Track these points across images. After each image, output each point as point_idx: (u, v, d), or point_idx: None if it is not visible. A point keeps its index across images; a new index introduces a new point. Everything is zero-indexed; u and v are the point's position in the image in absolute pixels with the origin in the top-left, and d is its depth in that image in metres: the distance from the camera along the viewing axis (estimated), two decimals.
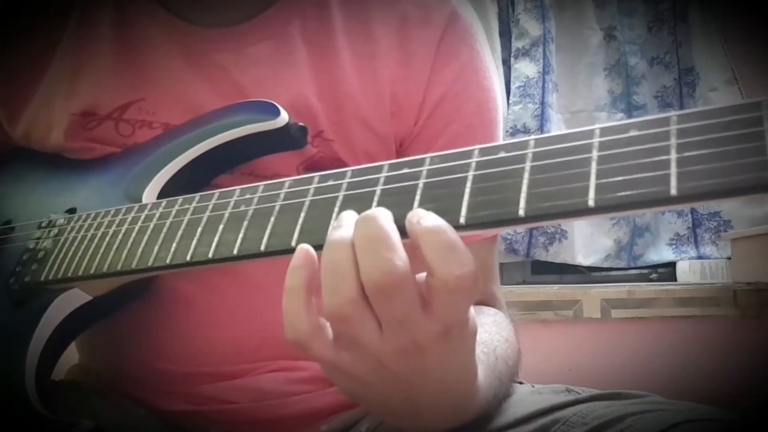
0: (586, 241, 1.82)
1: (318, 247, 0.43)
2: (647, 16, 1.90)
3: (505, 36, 1.87)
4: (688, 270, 1.81)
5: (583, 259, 1.81)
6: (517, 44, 1.84)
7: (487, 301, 0.73)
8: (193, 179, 0.57)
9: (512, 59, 1.84)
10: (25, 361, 0.59)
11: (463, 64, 0.71)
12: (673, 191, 0.34)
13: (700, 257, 1.83)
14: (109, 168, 0.70)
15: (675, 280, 1.82)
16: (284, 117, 0.63)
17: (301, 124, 0.64)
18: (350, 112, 0.69)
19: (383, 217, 0.41)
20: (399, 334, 0.42)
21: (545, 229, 1.80)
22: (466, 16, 0.73)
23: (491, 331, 0.64)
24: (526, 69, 1.82)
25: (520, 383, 0.73)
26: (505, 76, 1.85)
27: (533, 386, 0.69)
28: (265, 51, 0.70)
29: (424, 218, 0.40)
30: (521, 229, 0.64)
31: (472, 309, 0.44)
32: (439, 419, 0.51)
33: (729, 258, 1.74)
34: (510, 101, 1.82)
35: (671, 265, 1.85)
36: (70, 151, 0.73)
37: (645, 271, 1.88)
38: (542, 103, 1.81)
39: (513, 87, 1.82)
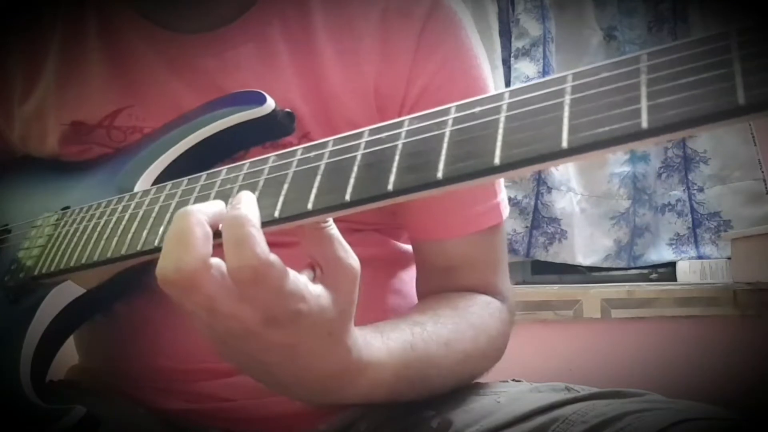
0: (586, 241, 1.82)
1: (299, 216, 0.45)
2: (647, 16, 1.90)
3: (505, 36, 1.87)
4: (688, 270, 1.81)
5: (583, 259, 1.80)
6: (517, 44, 1.84)
7: (487, 291, 0.73)
8: (184, 173, 0.57)
9: (512, 59, 1.84)
10: (20, 356, 0.59)
11: (447, 55, 0.70)
12: (644, 124, 0.33)
13: (700, 257, 1.82)
14: (101, 167, 0.70)
15: (675, 280, 1.82)
16: (270, 104, 0.63)
17: (287, 110, 0.64)
18: (336, 112, 0.69)
19: (194, 212, 0.44)
20: (219, 321, 0.45)
21: (545, 229, 1.80)
22: (449, 5, 0.72)
23: (443, 314, 0.65)
24: (526, 69, 1.82)
25: (519, 382, 0.73)
26: (505, 76, 1.85)
27: (532, 384, 0.69)
28: (246, 54, 0.70)
29: (234, 206, 0.44)
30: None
31: (322, 299, 0.46)
32: (310, 392, 0.53)
33: (729, 258, 1.74)
34: None
35: (671, 265, 1.85)
36: (67, 156, 0.73)
37: (645, 271, 1.87)
38: None
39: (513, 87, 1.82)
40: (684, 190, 1.85)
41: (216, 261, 0.44)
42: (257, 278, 0.43)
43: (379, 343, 0.56)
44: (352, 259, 0.48)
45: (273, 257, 0.43)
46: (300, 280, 0.46)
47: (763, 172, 1.78)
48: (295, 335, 0.47)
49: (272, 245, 0.44)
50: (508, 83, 1.84)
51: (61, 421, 0.54)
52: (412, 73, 0.69)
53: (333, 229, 0.48)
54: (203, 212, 0.44)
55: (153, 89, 0.71)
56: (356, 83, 0.69)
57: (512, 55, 1.85)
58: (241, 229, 0.43)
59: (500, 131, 0.38)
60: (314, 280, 0.47)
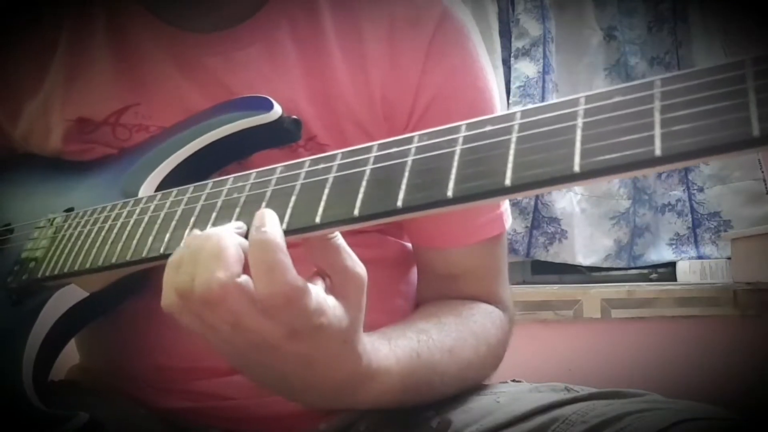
0: (586, 241, 1.81)
1: (307, 229, 0.45)
2: (647, 16, 1.90)
3: (505, 36, 1.87)
4: (688, 270, 1.81)
5: (583, 259, 1.80)
6: (517, 44, 1.84)
7: (489, 300, 0.73)
8: (189, 176, 0.57)
9: (512, 59, 1.84)
10: (22, 359, 0.59)
11: (455, 65, 0.70)
12: (658, 152, 0.33)
13: (700, 257, 1.82)
14: (106, 168, 0.70)
15: (675, 280, 1.82)
16: (277, 110, 0.63)
17: (294, 117, 0.64)
18: (344, 115, 0.69)
19: (223, 233, 0.45)
20: (240, 334, 0.46)
21: (545, 229, 1.80)
22: (458, 16, 0.72)
23: (447, 322, 0.66)
24: (526, 69, 1.82)
25: (519, 382, 0.73)
26: (505, 76, 1.84)
27: (532, 385, 0.70)
28: (254, 55, 0.70)
29: (259, 229, 0.44)
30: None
31: (334, 308, 0.47)
32: (322, 398, 0.54)
33: (729, 258, 1.74)
34: (510, 101, 1.81)
35: (671, 265, 1.85)
36: (69, 154, 0.73)
37: (645, 271, 1.87)
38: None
39: (513, 87, 1.82)
40: (684, 190, 1.85)
41: (245, 278, 0.44)
42: (289, 303, 0.44)
43: (387, 350, 0.57)
44: (359, 267, 0.49)
45: (301, 281, 0.44)
46: (320, 295, 0.46)
47: (763, 172, 1.78)
48: (314, 346, 0.48)
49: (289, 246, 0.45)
50: (508, 83, 1.84)
51: (64, 426, 0.54)
52: (421, 83, 0.69)
53: (339, 239, 0.48)
54: (236, 235, 0.45)
55: (160, 88, 0.70)
56: (364, 88, 0.69)
57: (512, 55, 1.84)
58: (271, 255, 0.44)
59: (512, 152, 0.38)
60: (327, 290, 0.48)
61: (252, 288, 0.44)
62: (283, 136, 0.64)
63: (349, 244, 0.70)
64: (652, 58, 1.90)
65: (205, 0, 0.70)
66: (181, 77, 0.70)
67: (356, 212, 0.43)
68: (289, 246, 0.46)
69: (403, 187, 0.41)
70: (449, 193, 0.39)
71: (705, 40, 1.86)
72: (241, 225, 0.48)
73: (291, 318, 0.45)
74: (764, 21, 1.75)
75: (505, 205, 0.74)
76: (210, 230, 0.46)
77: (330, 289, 0.48)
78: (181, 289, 0.46)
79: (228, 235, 0.45)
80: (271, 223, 0.45)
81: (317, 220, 0.44)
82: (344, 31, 0.70)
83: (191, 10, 0.71)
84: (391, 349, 0.57)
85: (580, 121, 0.37)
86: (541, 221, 1.80)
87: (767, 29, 1.75)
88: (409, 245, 0.77)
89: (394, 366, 0.57)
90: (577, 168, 0.35)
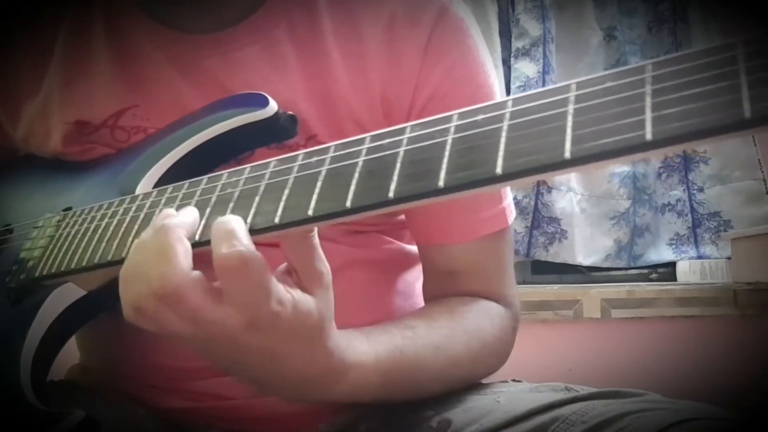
0: (586, 241, 1.82)
1: (300, 222, 0.45)
2: (647, 16, 1.90)
3: (505, 36, 1.87)
4: (688, 270, 1.81)
5: (583, 259, 1.80)
6: (517, 44, 1.84)
7: (490, 296, 0.73)
8: (186, 175, 0.57)
9: (512, 59, 1.84)
10: (20, 358, 0.59)
11: (453, 62, 0.70)
12: (649, 136, 0.33)
13: (700, 257, 1.82)
14: (103, 167, 0.70)
15: (675, 280, 1.82)
16: (273, 106, 0.63)
17: (290, 113, 0.64)
18: (344, 114, 0.69)
19: (171, 229, 0.45)
20: (201, 328, 0.46)
21: (545, 229, 1.80)
22: (456, 12, 0.72)
23: (438, 318, 0.66)
24: (526, 69, 1.82)
25: (519, 382, 0.73)
26: (505, 76, 1.85)
27: (532, 384, 0.70)
28: (252, 55, 0.70)
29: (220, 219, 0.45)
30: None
31: (304, 302, 0.48)
32: (294, 392, 0.54)
33: (729, 258, 1.74)
34: None
35: (671, 265, 1.85)
36: (69, 155, 0.73)
37: (645, 271, 1.87)
38: None
39: (513, 87, 1.82)
40: (684, 190, 1.85)
41: (198, 273, 0.45)
42: (243, 266, 0.44)
43: (365, 347, 0.57)
44: (325, 269, 0.50)
45: (257, 252, 0.44)
46: (278, 285, 0.46)
47: (763, 172, 1.78)
48: (274, 339, 0.48)
49: (263, 245, 0.45)
50: (508, 83, 1.84)
51: (60, 424, 0.54)
52: (419, 81, 0.69)
53: (315, 239, 0.49)
54: (181, 227, 0.46)
55: (158, 89, 0.71)
56: (363, 88, 0.69)
57: (512, 55, 1.85)
58: (229, 224, 0.44)
59: (503, 140, 0.38)
60: (293, 285, 0.48)
61: (204, 280, 0.45)
62: (279, 132, 0.64)
63: (348, 245, 0.70)
64: (652, 58, 1.90)
65: (202, 1, 0.70)
66: (179, 78, 0.70)
67: (348, 204, 0.43)
68: (267, 245, 0.46)
69: (395, 177, 0.41)
70: (440, 183, 0.39)
71: (705, 40, 1.86)
72: (194, 210, 0.49)
73: (248, 298, 0.45)
74: (764, 21, 1.75)
75: (508, 199, 0.74)
76: (156, 228, 0.46)
77: (296, 284, 0.49)
78: (134, 299, 0.46)
79: (172, 231, 0.45)
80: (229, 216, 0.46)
81: (310, 212, 0.44)
82: (343, 30, 0.70)
83: (189, 11, 0.71)
84: (369, 345, 0.58)
85: (570, 108, 0.37)
86: (541, 221, 1.80)
87: (767, 29, 1.75)
88: (408, 246, 0.77)
89: (371, 362, 0.57)
90: (568, 154, 0.35)
